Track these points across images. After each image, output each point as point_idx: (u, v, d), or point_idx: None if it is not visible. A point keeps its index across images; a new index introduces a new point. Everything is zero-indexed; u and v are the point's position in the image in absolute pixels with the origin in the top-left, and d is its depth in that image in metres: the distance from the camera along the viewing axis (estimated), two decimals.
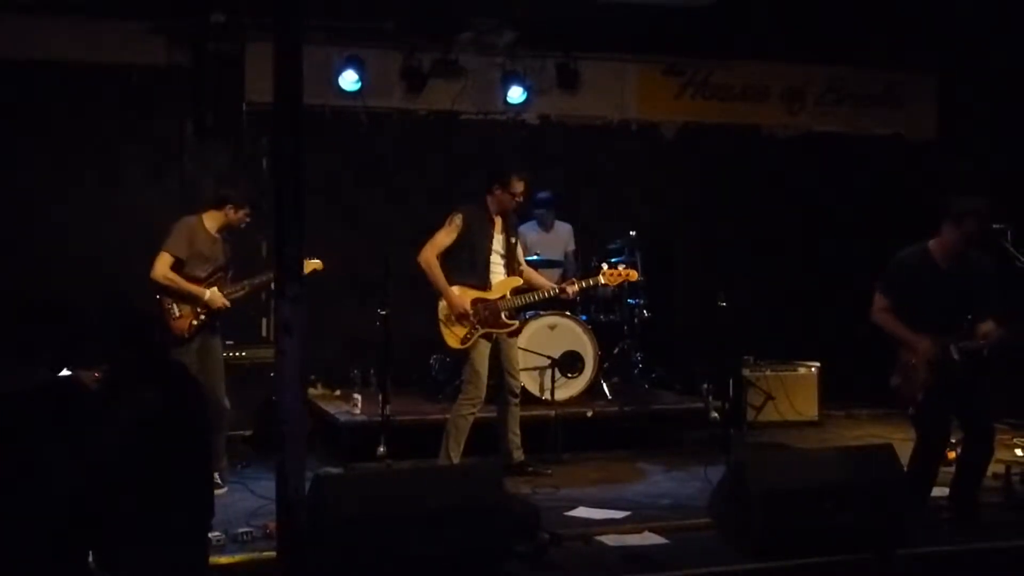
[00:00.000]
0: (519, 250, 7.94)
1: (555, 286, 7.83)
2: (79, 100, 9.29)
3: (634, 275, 7.99)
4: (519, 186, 7.66)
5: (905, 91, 11.52)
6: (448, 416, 7.70)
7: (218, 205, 7.41)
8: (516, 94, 10.17)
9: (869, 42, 10.55)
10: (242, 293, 7.53)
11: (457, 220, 7.66)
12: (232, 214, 7.41)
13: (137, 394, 4.63)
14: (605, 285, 8.02)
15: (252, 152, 9.80)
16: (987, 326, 6.40)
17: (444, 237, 7.66)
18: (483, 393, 7.62)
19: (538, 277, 7.99)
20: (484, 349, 7.63)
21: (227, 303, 7.36)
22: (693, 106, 11.02)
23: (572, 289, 7.74)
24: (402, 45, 9.97)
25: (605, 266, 7.97)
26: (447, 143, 10.39)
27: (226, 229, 7.48)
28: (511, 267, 7.76)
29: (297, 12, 4.84)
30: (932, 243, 6.57)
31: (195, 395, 4.91)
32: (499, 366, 7.77)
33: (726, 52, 10.82)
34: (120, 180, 9.45)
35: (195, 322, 7.25)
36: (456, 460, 7.51)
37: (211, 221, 7.41)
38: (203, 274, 7.35)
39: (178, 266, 7.25)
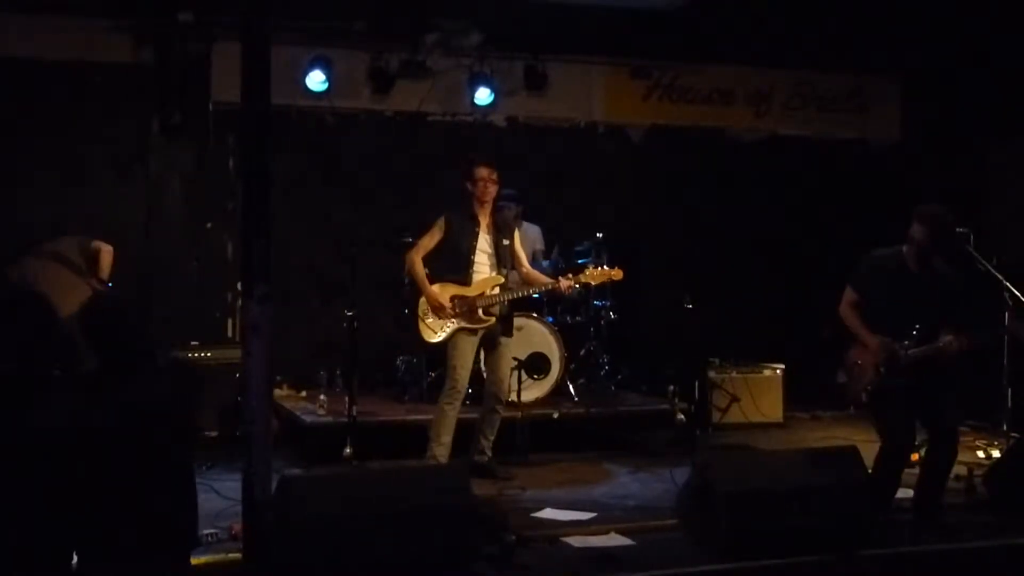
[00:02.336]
0: (518, 249, 7.91)
1: (550, 281, 7.79)
2: (44, 98, 9.23)
3: (619, 274, 7.84)
4: (479, 172, 7.66)
5: (869, 95, 11.60)
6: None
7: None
8: (483, 96, 10.16)
9: (834, 46, 10.62)
10: None
11: (440, 223, 7.74)
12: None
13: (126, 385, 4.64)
14: (587, 284, 7.99)
15: (218, 152, 9.77)
16: (949, 338, 6.46)
17: (428, 240, 7.76)
18: (462, 387, 7.62)
19: (538, 276, 7.97)
20: (464, 345, 7.64)
21: None
22: (660, 109, 11.05)
23: (567, 283, 7.71)
24: (369, 46, 9.95)
25: (590, 267, 7.92)
26: (414, 144, 10.38)
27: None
28: (499, 266, 7.76)
29: (265, 12, 4.83)
30: (906, 246, 6.63)
31: (184, 393, 4.85)
32: (489, 372, 7.81)
33: (693, 55, 10.86)
34: (85, 179, 9.39)
35: None
36: (441, 452, 7.51)
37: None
38: None
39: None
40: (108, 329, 4.78)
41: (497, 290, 7.71)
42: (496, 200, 7.81)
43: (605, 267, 7.87)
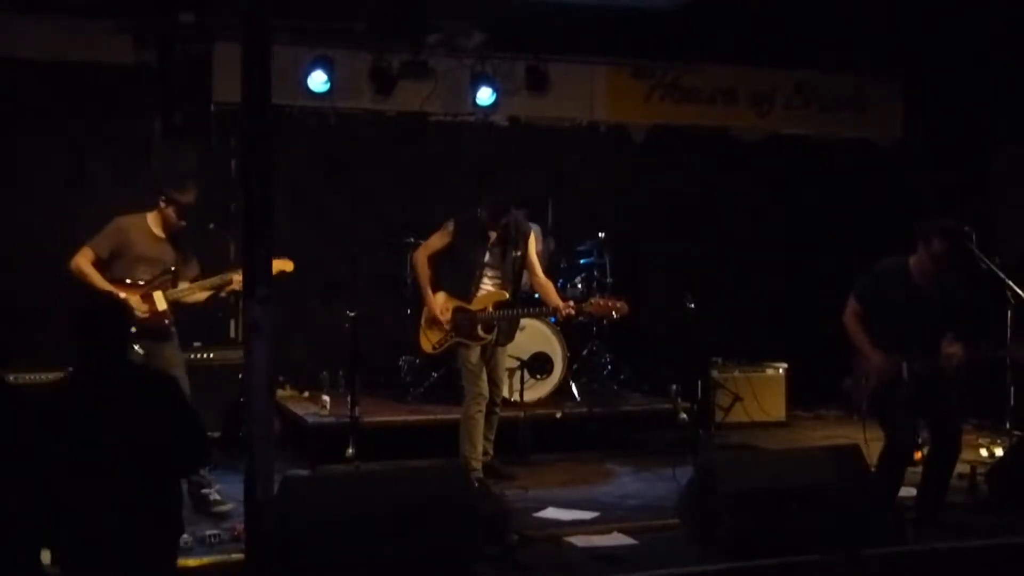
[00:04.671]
0: (532, 256, 7.85)
1: (560, 304, 7.64)
2: (46, 99, 9.20)
3: (624, 308, 7.68)
4: (484, 216, 7.61)
5: (871, 94, 11.59)
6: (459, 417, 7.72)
7: (157, 203, 7.14)
8: (485, 95, 10.15)
9: (836, 46, 10.61)
10: (190, 297, 7.17)
11: (449, 227, 7.72)
12: (168, 212, 7.09)
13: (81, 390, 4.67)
14: (589, 314, 7.95)
15: (220, 152, 9.76)
16: (952, 348, 6.46)
17: (436, 240, 7.76)
18: (485, 390, 7.63)
19: (548, 290, 7.84)
20: (469, 354, 7.64)
21: (158, 308, 7.01)
22: (662, 108, 11.03)
23: (567, 311, 7.64)
24: (371, 46, 9.94)
25: (596, 297, 7.86)
26: (416, 144, 10.38)
27: (172, 230, 7.14)
28: (505, 281, 7.73)
29: (265, 12, 4.83)
30: (912, 260, 6.60)
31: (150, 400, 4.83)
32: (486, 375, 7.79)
33: (695, 55, 10.85)
34: (87, 180, 9.38)
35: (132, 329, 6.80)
36: (473, 459, 7.52)
37: (155, 221, 7.14)
38: (147, 277, 7.07)
39: (107, 266, 7.02)
40: (103, 331, 4.79)
41: (500, 308, 7.68)
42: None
43: (611, 301, 7.71)
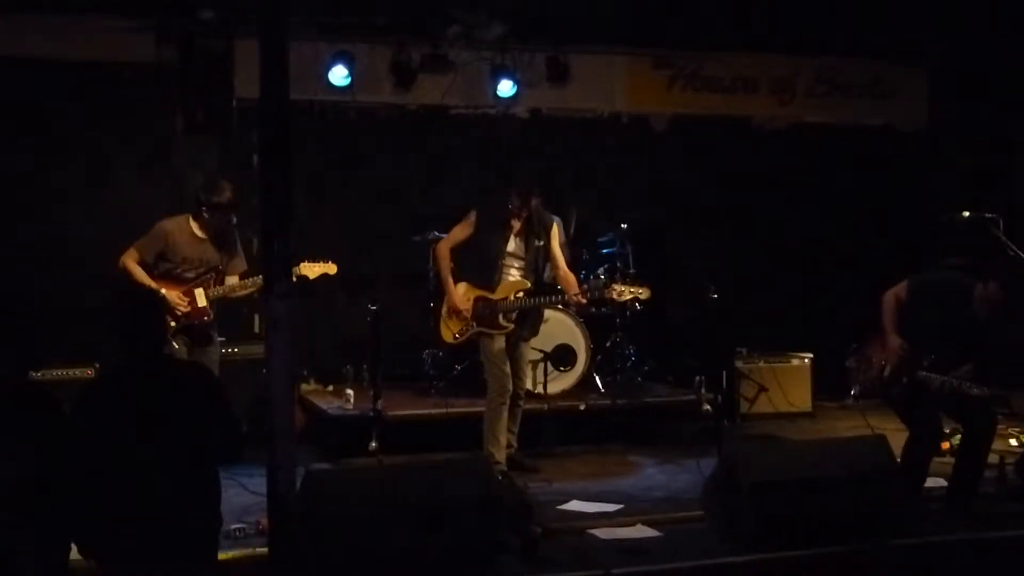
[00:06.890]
0: (555, 247, 7.80)
1: (575, 294, 7.57)
2: (68, 98, 9.26)
3: (646, 293, 7.65)
4: (514, 199, 7.59)
5: (895, 81, 11.51)
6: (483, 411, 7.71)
7: (195, 209, 7.30)
8: (506, 88, 10.14)
9: (858, 31, 10.54)
10: (233, 293, 7.34)
11: (471, 217, 7.70)
12: (207, 217, 7.27)
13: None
14: (613, 301, 7.91)
15: (242, 148, 9.78)
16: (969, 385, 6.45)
17: (459, 232, 7.75)
18: (508, 382, 7.60)
19: (570, 282, 7.73)
20: (492, 345, 7.61)
21: (198, 305, 7.17)
22: (683, 98, 10.99)
23: (578, 301, 7.62)
24: (391, 40, 9.94)
25: (617, 283, 7.80)
26: (437, 138, 10.38)
27: (214, 230, 7.32)
28: (528, 270, 7.70)
29: (283, 7, 4.82)
30: (977, 291, 6.48)
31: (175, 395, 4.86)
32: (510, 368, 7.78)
33: (716, 44, 10.80)
34: (110, 178, 9.43)
35: (172, 324, 7.08)
36: (497, 452, 7.52)
37: (196, 223, 7.32)
38: (191, 275, 7.27)
39: (153, 268, 7.19)
40: (140, 324, 4.85)
41: (521, 295, 7.66)
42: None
43: (632, 287, 7.61)
